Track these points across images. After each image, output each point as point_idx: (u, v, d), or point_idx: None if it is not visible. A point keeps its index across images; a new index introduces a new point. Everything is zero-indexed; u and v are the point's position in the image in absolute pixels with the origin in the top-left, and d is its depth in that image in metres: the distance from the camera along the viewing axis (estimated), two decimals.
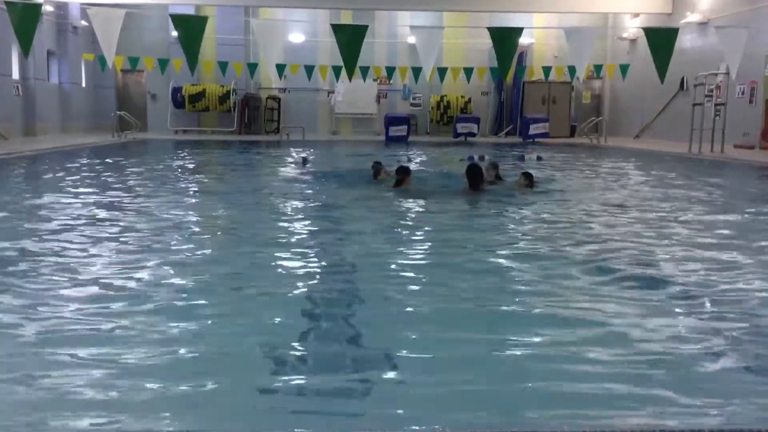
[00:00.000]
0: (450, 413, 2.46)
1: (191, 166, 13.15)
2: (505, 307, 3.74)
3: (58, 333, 3.20)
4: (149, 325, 3.31)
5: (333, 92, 25.61)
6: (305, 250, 5.20)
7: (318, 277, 4.43)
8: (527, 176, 8.95)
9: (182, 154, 15.93)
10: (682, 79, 20.37)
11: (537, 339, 3.21)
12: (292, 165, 12.85)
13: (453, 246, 5.41)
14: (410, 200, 7.81)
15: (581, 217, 6.93)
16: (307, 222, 6.60)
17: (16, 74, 19.45)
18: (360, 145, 19.76)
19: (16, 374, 2.71)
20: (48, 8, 20.24)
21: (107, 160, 13.83)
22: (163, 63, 20.50)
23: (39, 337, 3.14)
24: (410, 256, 5.01)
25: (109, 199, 7.75)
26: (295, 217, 6.90)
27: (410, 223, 6.58)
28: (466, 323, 3.46)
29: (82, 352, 2.94)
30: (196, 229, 6.10)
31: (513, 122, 25.37)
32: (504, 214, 7.14)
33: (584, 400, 2.57)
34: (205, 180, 10.67)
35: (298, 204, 7.74)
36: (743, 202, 8.36)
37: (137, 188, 8.88)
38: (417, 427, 2.34)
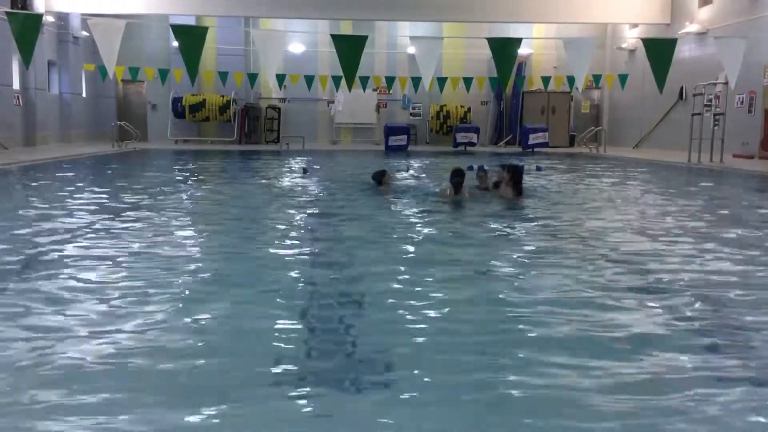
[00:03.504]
0: (448, 424, 2.45)
1: (191, 175, 13.16)
2: (507, 319, 3.73)
3: (55, 341, 3.19)
4: (145, 334, 3.30)
5: (333, 102, 25.69)
6: (304, 258, 5.20)
7: (318, 284, 4.41)
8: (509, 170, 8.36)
9: (182, 164, 15.95)
10: (681, 88, 20.46)
11: (540, 352, 3.20)
12: (293, 174, 12.86)
13: (454, 252, 5.41)
14: (415, 206, 7.81)
15: (581, 225, 6.94)
16: (306, 230, 6.60)
17: (16, 84, 19.49)
18: (360, 154, 19.78)
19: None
20: (49, 19, 20.33)
21: (107, 170, 13.86)
22: (164, 73, 20.58)
23: (31, 352, 3.14)
24: (411, 262, 4.99)
25: (109, 209, 7.74)
26: (295, 225, 6.89)
27: (415, 230, 6.56)
28: (469, 331, 3.45)
29: (82, 356, 2.94)
30: (195, 237, 6.09)
31: (512, 132, 25.45)
32: (500, 222, 7.13)
33: (588, 416, 2.56)
34: (205, 189, 10.67)
35: (298, 213, 7.73)
36: (745, 211, 8.36)
37: (136, 198, 8.88)
38: None
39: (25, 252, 5.24)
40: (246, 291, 4.23)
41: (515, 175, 8.15)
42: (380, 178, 9.45)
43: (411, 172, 13.24)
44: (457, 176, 8.07)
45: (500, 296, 4.12)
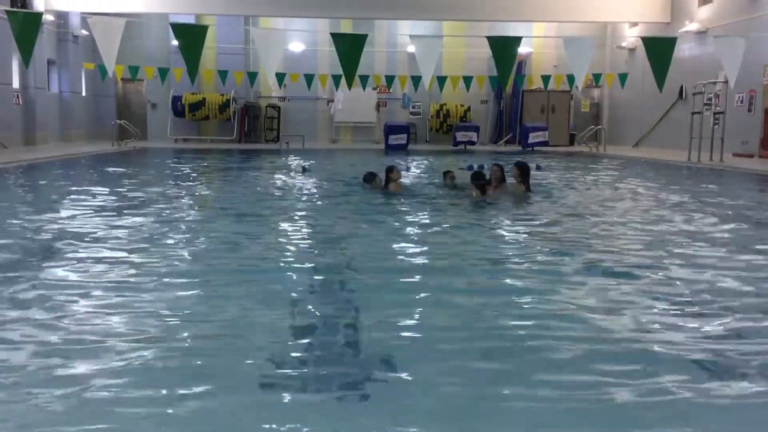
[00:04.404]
0: (448, 421, 2.45)
1: (191, 174, 13.16)
2: (507, 315, 3.74)
3: (53, 343, 3.20)
4: (145, 332, 3.30)
5: (333, 101, 25.67)
6: (304, 257, 5.20)
7: (317, 282, 4.42)
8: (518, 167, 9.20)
9: (182, 163, 15.95)
10: (681, 87, 20.44)
11: (540, 348, 3.21)
12: (292, 173, 12.86)
13: (454, 251, 5.41)
14: (413, 205, 7.81)
15: (580, 224, 6.94)
16: (305, 229, 6.61)
17: (16, 83, 19.47)
18: (360, 153, 19.78)
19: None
20: (48, 17, 20.29)
21: (107, 168, 13.85)
22: (164, 72, 20.55)
23: (32, 354, 3.14)
24: (411, 262, 5.00)
25: (109, 208, 7.74)
26: (294, 224, 6.90)
27: (414, 229, 6.57)
28: (468, 329, 3.45)
29: (80, 356, 2.94)
30: (195, 236, 6.09)
31: (512, 131, 25.43)
32: (503, 219, 7.14)
33: (589, 411, 2.56)
34: (204, 188, 10.68)
35: (297, 212, 7.74)
36: (744, 210, 8.36)
37: (137, 197, 8.89)
38: None
39: (23, 250, 5.25)
40: (245, 290, 4.23)
41: (524, 172, 9.09)
42: (372, 179, 9.54)
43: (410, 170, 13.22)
44: (480, 179, 8.67)
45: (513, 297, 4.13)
